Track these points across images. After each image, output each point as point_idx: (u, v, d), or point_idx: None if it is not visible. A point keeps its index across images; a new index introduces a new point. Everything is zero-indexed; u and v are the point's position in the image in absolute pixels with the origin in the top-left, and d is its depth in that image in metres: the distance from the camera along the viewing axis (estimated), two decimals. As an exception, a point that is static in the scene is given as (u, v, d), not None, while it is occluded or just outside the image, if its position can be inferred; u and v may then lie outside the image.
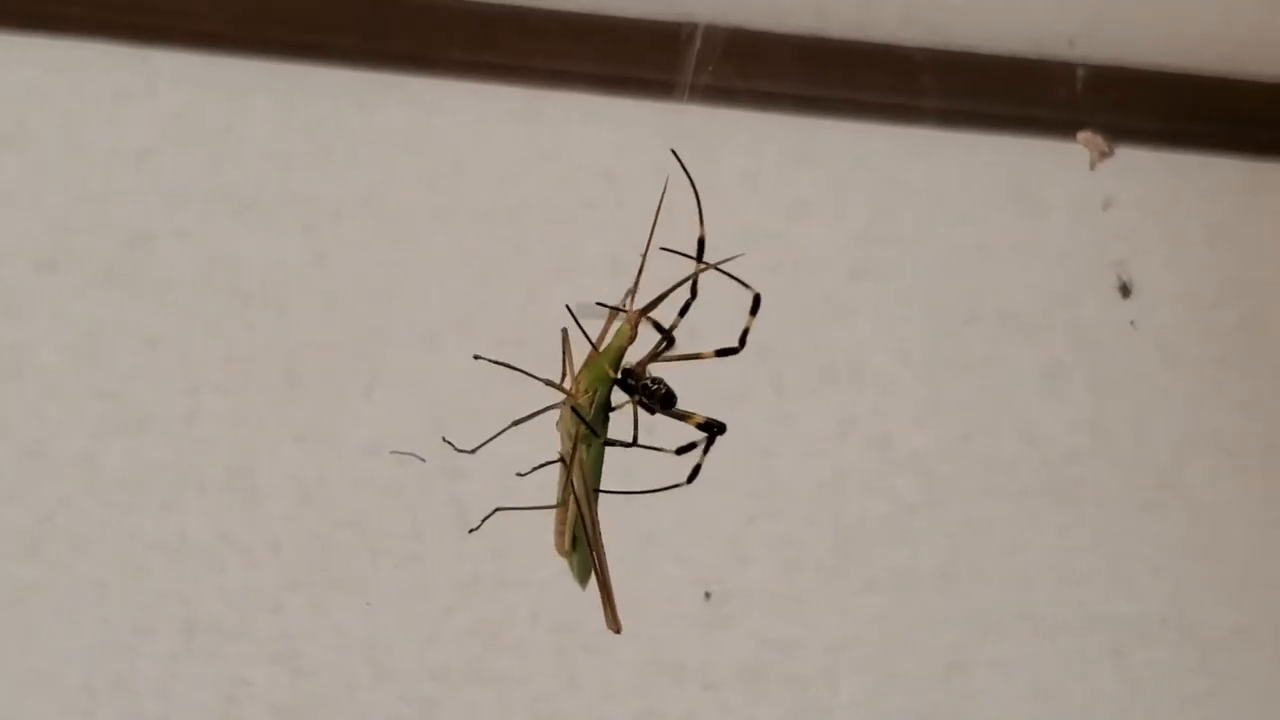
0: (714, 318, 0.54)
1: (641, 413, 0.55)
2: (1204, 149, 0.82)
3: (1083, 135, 0.78)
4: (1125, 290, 0.80)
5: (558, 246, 0.78)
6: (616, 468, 0.57)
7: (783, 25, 0.78)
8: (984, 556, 0.82)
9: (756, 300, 0.53)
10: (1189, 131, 0.82)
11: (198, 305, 0.78)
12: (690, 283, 0.53)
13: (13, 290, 0.77)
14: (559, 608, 0.80)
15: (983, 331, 0.82)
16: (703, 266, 0.53)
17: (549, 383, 0.54)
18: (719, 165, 0.79)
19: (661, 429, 0.56)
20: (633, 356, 0.55)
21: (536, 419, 0.55)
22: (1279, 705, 0.84)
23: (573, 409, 0.54)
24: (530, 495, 0.59)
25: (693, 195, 0.54)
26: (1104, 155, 0.77)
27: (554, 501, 0.57)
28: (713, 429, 0.54)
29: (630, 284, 0.54)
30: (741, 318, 0.54)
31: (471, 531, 0.59)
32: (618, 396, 0.55)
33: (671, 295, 0.53)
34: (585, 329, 0.54)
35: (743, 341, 0.54)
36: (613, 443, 0.55)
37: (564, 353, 0.54)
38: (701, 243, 0.53)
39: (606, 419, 0.55)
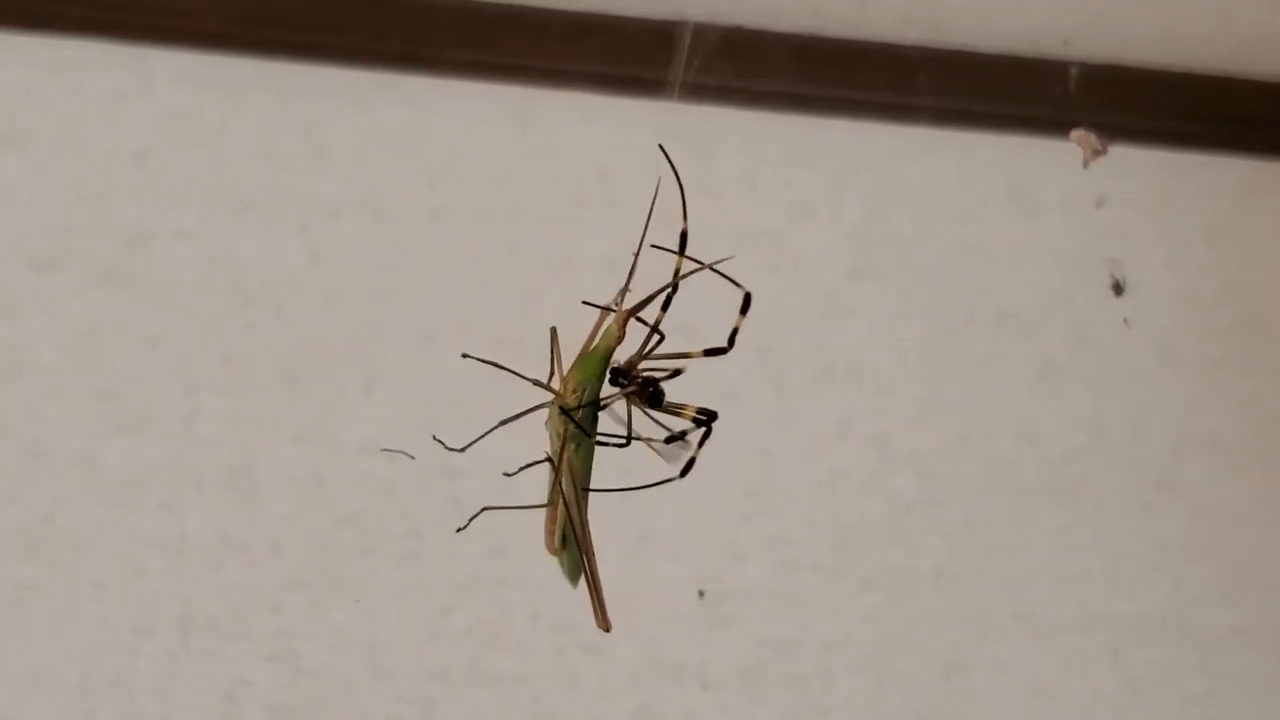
0: (711, 318, 0.54)
1: (635, 411, 0.55)
2: (1201, 148, 0.82)
3: (1076, 134, 0.78)
4: (1118, 288, 0.80)
5: (555, 245, 0.79)
6: (611, 464, 0.57)
7: (779, 24, 0.79)
8: (982, 556, 0.82)
9: (747, 300, 0.53)
10: (1186, 131, 0.82)
11: (197, 305, 0.78)
12: (673, 277, 0.53)
13: (11, 290, 0.77)
14: (558, 607, 0.80)
15: (981, 331, 0.82)
16: (696, 267, 0.53)
17: (537, 382, 0.54)
18: (715, 165, 0.80)
19: (657, 428, 0.56)
20: (621, 356, 0.55)
21: (527, 417, 0.55)
22: (1279, 705, 0.84)
23: (561, 409, 0.54)
24: (525, 492, 0.60)
25: (685, 194, 0.54)
26: (1097, 154, 0.77)
27: (544, 501, 0.57)
28: (706, 418, 0.54)
29: (623, 284, 0.54)
30: (733, 317, 0.54)
31: (459, 530, 0.60)
32: (607, 396, 0.55)
33: (652, 289, 0.53)
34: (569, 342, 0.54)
35: (731, 341, 0.54)
36: (605, 442, 0.55)
37: (553, 351, 0.55)
38: (684, 237, 0.53)
39: (596, 418, 0.55)
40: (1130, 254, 0.82)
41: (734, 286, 0.53)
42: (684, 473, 0.55)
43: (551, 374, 0.55)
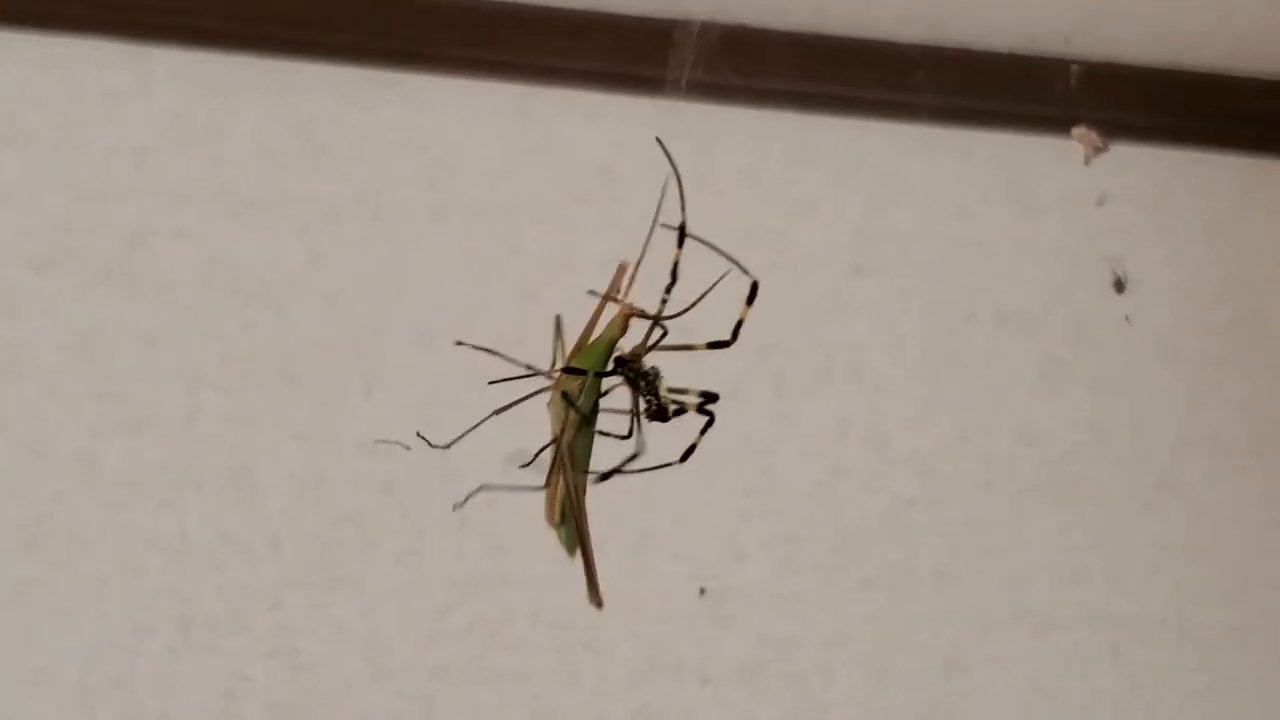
0: (714, 314, 0.54)
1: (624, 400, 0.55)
2: (1201, 145, 0.82)
3: (1077, 131, 0.78)
4: (1119, 285, 0.80)
5: (555, 244, 0.79)
6: (612, 449, 0.57)
7: (780, 22, 0.79)
8: (982, 554, 0.82)
9: (754, 289, 0.53)
10: (1185, 128, 0.81)
11: (196, 304, 0.78)
12: (671, 268, 0.53)
13: (11, 290, 0.77)
14: (558, 605, 0.80)
15: (981, 329, 0.82)
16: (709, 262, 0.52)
17: (530, 368, 0.55)
18: (716, 162, 0.80)
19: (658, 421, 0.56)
20: (624, 349, 0.55)
21: (519, 409, 0.56)
22: (1278, 703, 0.84)
23: (563, 394, 0.54)
24: (523, 475, 0.60)
25: (682, 187, 0.54)
26: (1098, 150, 0.77)
27: (541, 480, 0.57)
28: (707, 399, 0.54)
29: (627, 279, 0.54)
30: (734, 313, 0.54)
31: (457, 507, 0.60)
32: (609, 384, 0.55)
33: (660, 284, 0.53)
34: (570, 330, 0.54)
35: (735, 334, 0.54)
36: (607, 434, 0.55)
37: (556, 339, 0.55)
38: (682, 229, 0.53)
39: (597, 405, 0.55)
40: (1129, 251, 0.82)
41: (741, 276, 0.53)
42: (684, 458, 0.55)
43: (554, 362, 0.55)
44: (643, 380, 0.54)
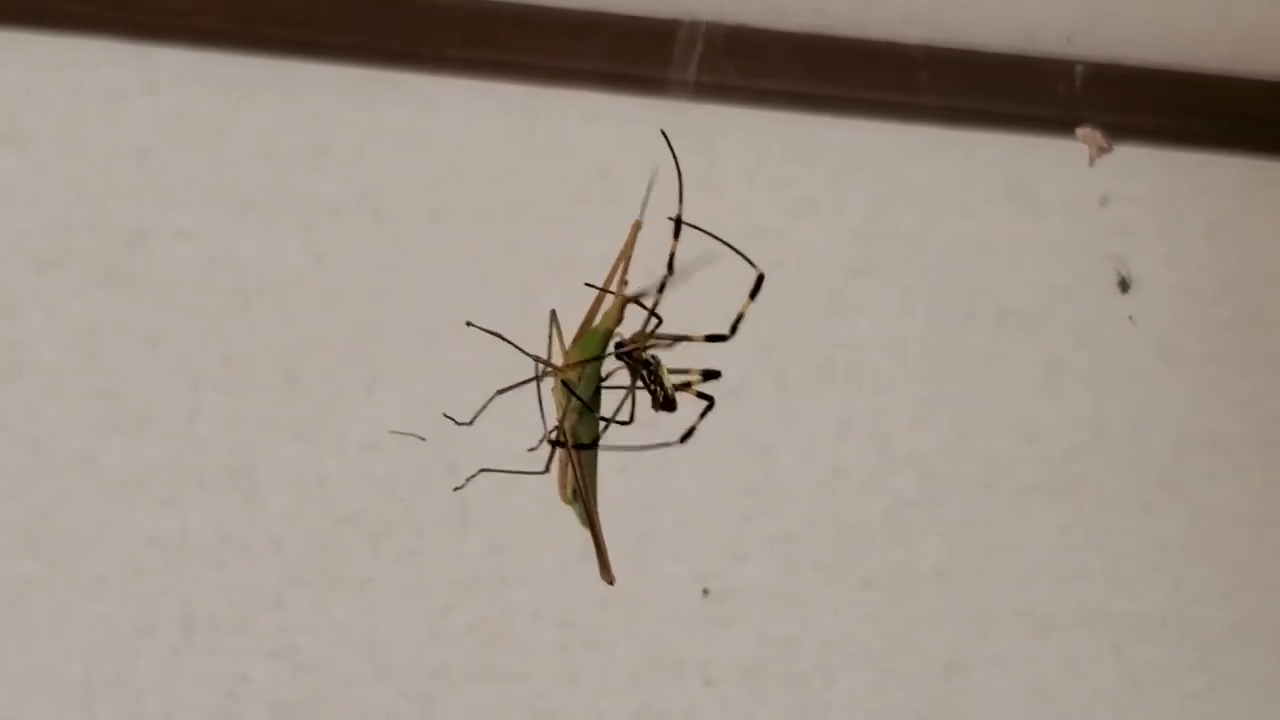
0: (712, 311, 0.54)
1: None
2: (1203, 147, 0.82)
3: (1082, 131, 0.78)
4: (1124, 285, 0.80)
5: (556, 244, 0.79)
6: (613, 431, 0.57)
7: (782, 22, 0.78)
8: (983, 554, 0.82)
9: (758, 282, 0.53)
10: (1187, 129, 0.81)
11: (198, 304, 0.78)
12: (668, 260, 0.53)
13: (12, 289, 0.77)
14: (559, 605, 0.80)
15: (982, 329, 0.82)
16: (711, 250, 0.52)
17: (538, 359, 0.55)
18: (718, 162, 0.79)
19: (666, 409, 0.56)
20: (624, 333, 0.55)
21: (522, 397, 0.56)
22: (1279, 703, 0.84)
23: (563, 383, 0.54)
24: (525, 460, 0.60)
25: (682, 179, 0.54)
26: (1103, 151, 0.77)
27: (543, 466, 0.58)
28: (709, 377, 0.54)
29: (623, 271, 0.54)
30: (733, 308, 0.54)
31: (457, 490, 0.60)
32: (608, 370, 0.55)
33: (656, 275, 0.53)
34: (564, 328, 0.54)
35: (734, 328, 0.53)
36: (609, 420, 0.55)
37: (551, 332, 0.55)
38: (678, 221, 0.53)
39: (598, 393, 0.55)
40: (1131, 252, 0.82)
41: (747, 268, 0.52)
42: (684, 439, 0.55)
43: (549, 353, 0.55)
44: (644, 369, 0.54)
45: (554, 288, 0.77)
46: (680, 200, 0.53)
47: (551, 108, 0.78)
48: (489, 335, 0.57)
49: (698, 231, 0.53)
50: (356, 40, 0.76)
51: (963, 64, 0.79)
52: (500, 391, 0.56)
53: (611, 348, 0.54)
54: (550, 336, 0.55)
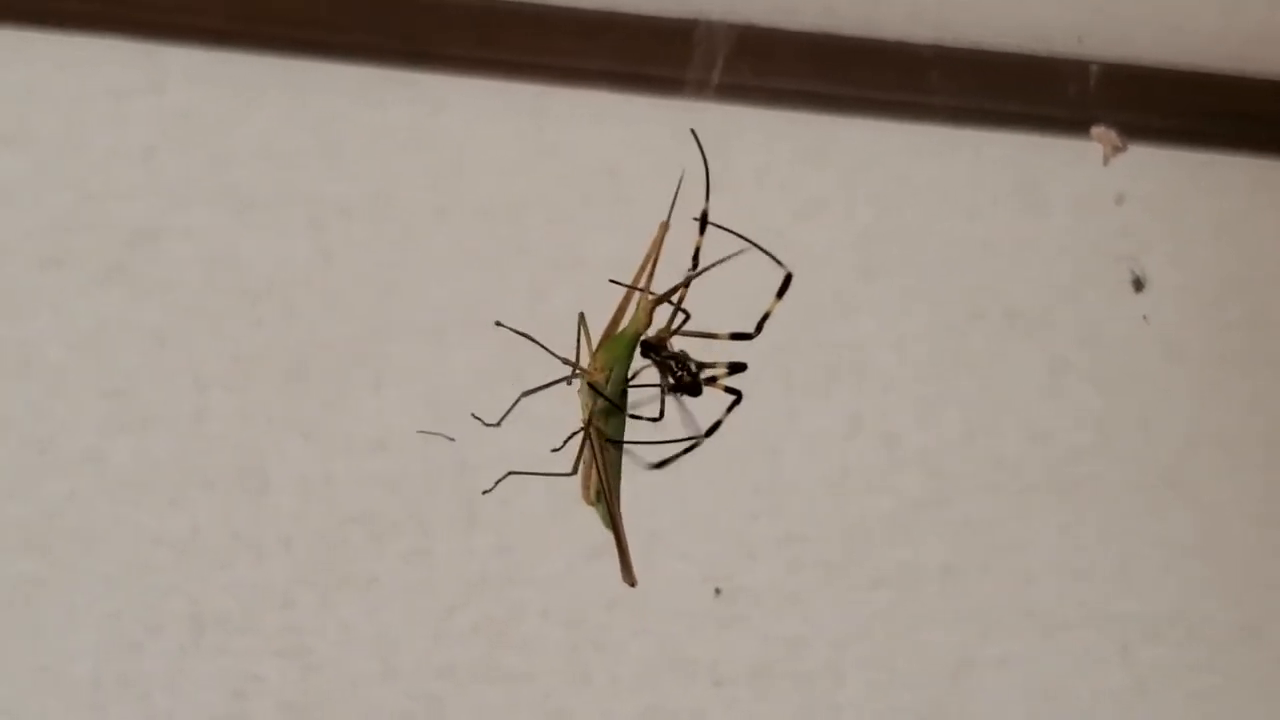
0: (742, 307, 0.54)
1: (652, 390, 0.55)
2: (1210, 146, 0.82)
3: (1097, 130, 0.78)
4: (1139, 284, 0.80)
5: (564, 244, 0.78)
6: (639, 427, 0.57)
7: (792, 22, 0.78)
8: (990, 554, 0.82)
9: (786, 281, 0.53)
10: (1195, 129, 0.81)
11: (205, 303, 0.77)
12: (693, 254, 0.53)
13: (18, 288, 0.77)
14: (567, 604, 0.80)
15: (989, 328, 0.82)
16: (728, 253, 0.52)
17: (566, 361, 0.55)
18: (729, 163, 0.79)
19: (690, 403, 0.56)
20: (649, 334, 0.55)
21: (546, 399, 0.56)
22: (1285, 702, 0.84)
23: (590, 385, 0.54)
24: (551, 460, 0.59)
25: (709, 173, 0.54)
26: (1117, 150, 0.77)
27: (569, 467, 0.58)
28: (734, 370, 0.54)
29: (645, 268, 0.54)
30: (758, 303, 0.53)
31: (485, 493, 0.60)
32: (637, 369, 0.55)
33: (680, 271, 0.53)
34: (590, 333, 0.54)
35: (759, 327, 0.53)
36: (639, 417, 0.55)
37: (579, 335, 0.55)
38: (704, 217, 0.53)
39: (625, 395, 0.55)
40: (1139, 252, 0.82)
41: (763, 268, 0.52)
42: (709, 433, 0.55)
43: (578, 356, 0.55)
44: (673, 361, 0.54)
45: (563, 288, 0.77)
46: (707, 196, 0.53)
47: (561, 107, 0.78)
48: (504, 336, 0.56)
49: (721, 231, 0.53)
50: (365, 39, 0.76)
51: (973, 63, 0.79)
52: (527, 393, 0.56)
53: (638, 351, 0.54)
54: (578, 339, 0.55)
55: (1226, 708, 0.84)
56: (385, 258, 0.78)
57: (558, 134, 0.79)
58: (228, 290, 0.77)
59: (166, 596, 0.78)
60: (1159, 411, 0.83)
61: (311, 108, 0.77)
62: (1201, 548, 0.83)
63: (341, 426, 0.78)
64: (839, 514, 0.81)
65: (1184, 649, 0.83)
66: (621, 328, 0.55)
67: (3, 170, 0.76)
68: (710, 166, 0.56)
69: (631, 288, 0.54)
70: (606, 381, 0.55)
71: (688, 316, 0.53)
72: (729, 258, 0.52)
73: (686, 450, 0.54)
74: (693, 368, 0.54)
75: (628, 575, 0.58)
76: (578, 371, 0.55)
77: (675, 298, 0.53)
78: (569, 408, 0.62)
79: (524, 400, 0.58)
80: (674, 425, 0.55)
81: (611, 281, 0.54)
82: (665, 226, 0.54)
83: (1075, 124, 0.79)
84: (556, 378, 0.56)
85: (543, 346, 0.55)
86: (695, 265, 0.53)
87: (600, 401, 0.54)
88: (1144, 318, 0.82)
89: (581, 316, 0.55)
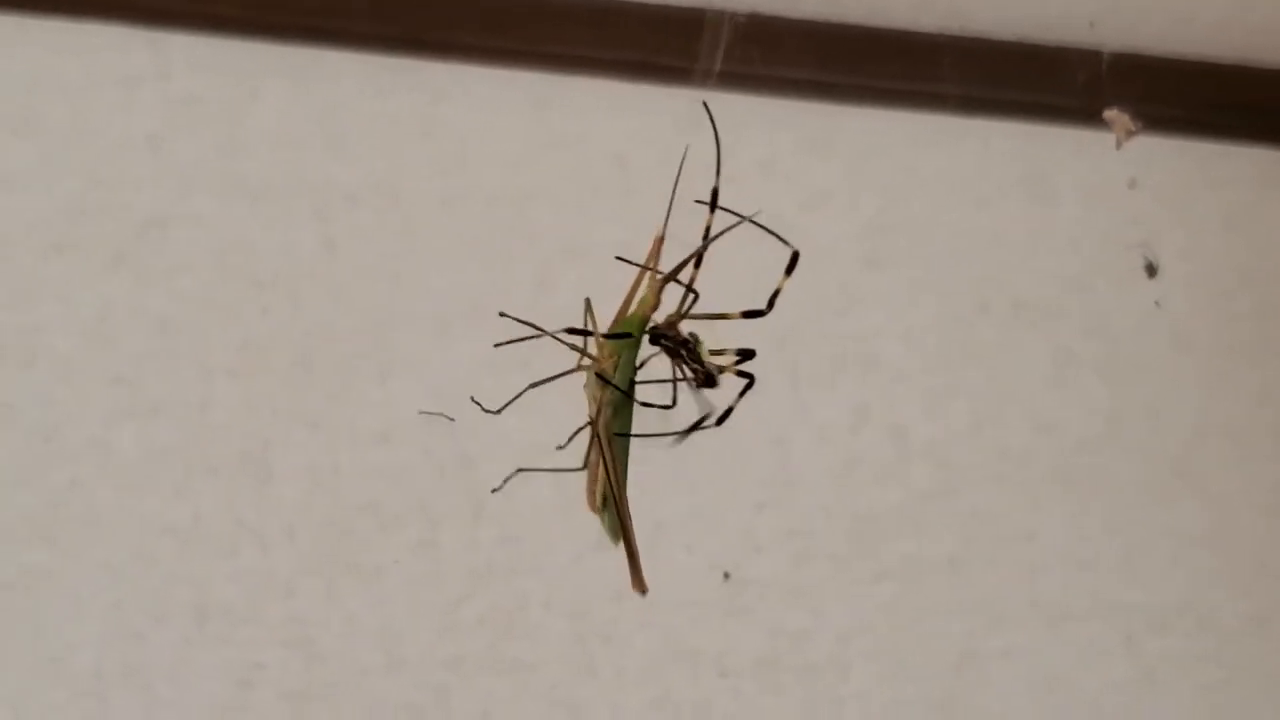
0: (742, 290, 0.54)
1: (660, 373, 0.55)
2: (1220, 136, 0.82)
3: (1109, 113, 0.78)
4: (1151, 270, 0.80)
5: (571, 233, 0.78)
6: (650, 414, 0.57)
7: (798, 10, 0.78)
8: (997, 545, 0.82)
9: (794, 259, 0.53)
10: (1204, 119, 0.81)
11: (211, 291, 0.77)
12: (704, 233, 0.53)
13: (24, 275, 0.77)
14: (574, 595, 0.80)
15: (997, 319, 0.82)
16: (730, 224, 0.52)
17: (574, 346, 0.55)
18: (735, 152, 0.79)
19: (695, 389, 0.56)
20: (658, 318, 0.54)
21: (554, 391, 0.56)
22: (1293, 694, 0.84)
23: (597, 374, 0.54)
24: (559, 458, 0.59)
25: (720, 152, 0.54)
26: (1130, 133, 0.77)
27: (577, 464, 0.57)
28: (744, 358, 0.54)
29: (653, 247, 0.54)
30: (767, 280, 0.53)
31: (494, 491, 0.60)
32: (645, 355, 0.55)
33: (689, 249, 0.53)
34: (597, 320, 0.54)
35: (771, 304, 0.53)
36: (650, 404, 0.55)
37: (586, 320, 0.55)
38: (715, 194, 0.53)
39: (633, 383, 0.55)
40: (1149, 242, 0.82)
41: (772, 251, 0.53)
42: (720, 420, 0.54)
43: (585, 344, 0.55)
44: (683, 349, 0.54)
45: (570, 276, 0.77)
46: (718, 173, 0.53)
47: (568, 96, 0.78)
48: (510, 326, 0.56)
49: (728, 215, 0.53)
50: (372, 27, 0.76)
51: (982, 52, 0.79)
52: (534, 384, 0.56)
53: (647, 334, 0.54)
54: (584, 323, 0.55)
55: (1234, 699, 0.83)
56: (391, 247, 0.78)
57: (564, 123, 0.78)
58: (234, 279, 0.77)
59: (171, 585, 0.78)
60: (1167, 402, 0.83)
61: (317, 96, 0.77)
62: (1210, 538, 0.83)
63: (347, 416, 0.78)
64: (845, 505, 0.81)
65: (1192, 640, 0.83)
66: (631, 311, 0.54)
67: (9, 158, 0.76)
68: (719, 147, 0.56)
69: (639, 266, 0.54)
70: (614, 370, 0.54)
71: (697, 296, 0.53)
72: (735, 225, 0.52)
73: (695, 426, 0.54)
74: (704, 358, 0.54)
75: (638, 583, 0.58)
76: (586, 358, 0.55)
77: (685, 276, 0.53)
78: (575, 399, 0.62)
79: (530, 391, 0.58)
80: (683, 415, 0.55)
81: (618, 259, 0.54)
82: (659, 241, 0.54)
83: (1085, 113, 0.79)
84: (565, 370, 0.56)
85: (548, 333, 0.55)
86: (706, 243, 0.53)
87: (609, 391, 0.54)
88: (1156, 303, 0.81)
89: (588, 302, 0.55)
